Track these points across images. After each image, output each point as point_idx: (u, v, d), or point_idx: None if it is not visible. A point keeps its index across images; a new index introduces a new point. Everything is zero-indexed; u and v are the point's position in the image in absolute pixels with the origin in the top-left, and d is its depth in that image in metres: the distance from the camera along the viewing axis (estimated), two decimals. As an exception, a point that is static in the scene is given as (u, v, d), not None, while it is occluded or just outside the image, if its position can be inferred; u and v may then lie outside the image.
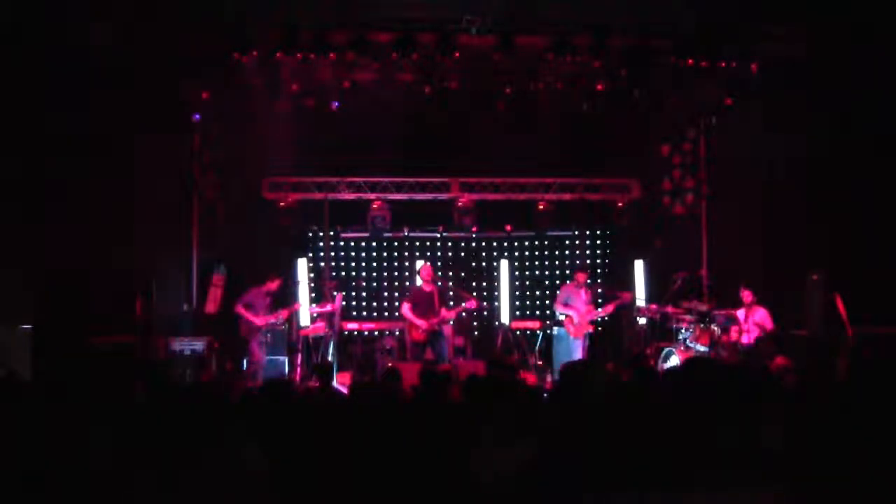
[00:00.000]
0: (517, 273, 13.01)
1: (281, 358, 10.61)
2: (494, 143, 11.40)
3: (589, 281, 11.05)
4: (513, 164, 11.95)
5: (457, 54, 10.12)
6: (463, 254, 12.93)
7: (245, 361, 10.27)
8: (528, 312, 12.83)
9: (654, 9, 9.74)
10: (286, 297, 10.82)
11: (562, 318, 10.59)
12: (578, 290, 10.48)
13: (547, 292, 13.01)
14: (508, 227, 12.77)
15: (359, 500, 3.36)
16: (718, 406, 3.13)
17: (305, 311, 11.40)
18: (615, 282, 11.94)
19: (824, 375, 4.72)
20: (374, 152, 11.50)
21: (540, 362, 11.19)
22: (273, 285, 10.27)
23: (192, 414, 3.59)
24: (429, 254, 12.65)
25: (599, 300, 10.84)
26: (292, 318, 11.04)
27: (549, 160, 11.89)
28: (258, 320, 10.06)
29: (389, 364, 9.30)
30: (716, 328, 9.90)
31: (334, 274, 12.30)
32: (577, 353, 10.19)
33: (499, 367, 6.42)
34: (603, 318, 11.10)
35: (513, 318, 12.39)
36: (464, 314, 10.79)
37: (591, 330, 10.44)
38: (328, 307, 10.74)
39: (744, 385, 3.34)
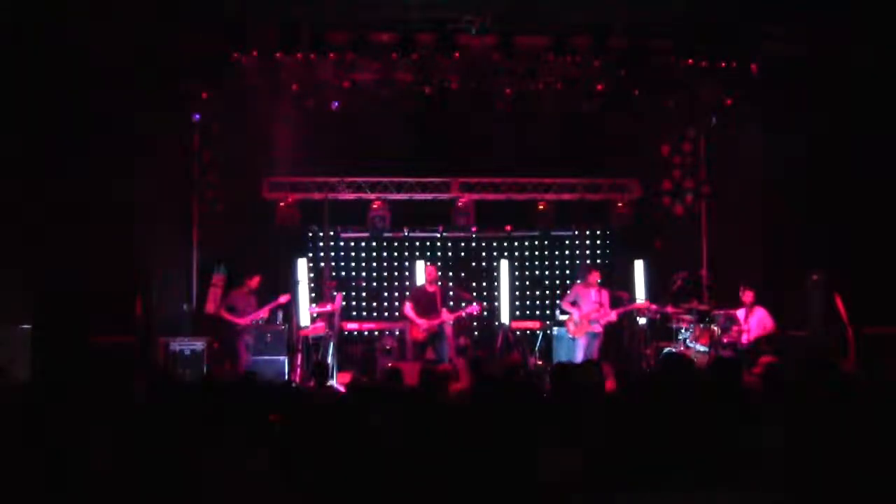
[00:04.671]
0: (517, 273, 12.98)
1: (280, 358, 10.57)
2: (494, 143, 11.40)
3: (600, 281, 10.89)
4: (513, 164, 11.91)
5: (457, 54, 10.14)
6: (463, 254, 12.91)
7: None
8: (528, 312, 12.81)
9: (654, 9, 9.75)
10: (277, 293, 10.55)
11: (564, 317, 10.56)
12: (588, 290, 10.35)
13: (547, 292, 13.00)
14: (508, 227, 12.76)
15: (358, 500, 3.36)
16: (718, 406, 3.13)
17: (305, 311, 11.38)
18: (615, 282, 11.92)
19: (824, 375, 4.71)
20: (373, 152, 11.48)
21: (540, 362, 11.17)
22: (253, 283, 10.24)
23: (195, 414, 3.60)
24: (429, 254, 12.62)
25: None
26: (292, 318, 11.01)
27: (549, 160, 11.85)
28: (242, 320, 10.06)
29: (389, 364, 9.30)
30: (716, 328, 9.89)
31: (334, 274, 12.27)
32: (579, 353, 10.14)
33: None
34: (611, 322, 10.50)
35: (513, 318, 12.36)
36: (464, 315, 10.79)
37: (594, 330, 10.21)
38: (328, 307, 10.72)
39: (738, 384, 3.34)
